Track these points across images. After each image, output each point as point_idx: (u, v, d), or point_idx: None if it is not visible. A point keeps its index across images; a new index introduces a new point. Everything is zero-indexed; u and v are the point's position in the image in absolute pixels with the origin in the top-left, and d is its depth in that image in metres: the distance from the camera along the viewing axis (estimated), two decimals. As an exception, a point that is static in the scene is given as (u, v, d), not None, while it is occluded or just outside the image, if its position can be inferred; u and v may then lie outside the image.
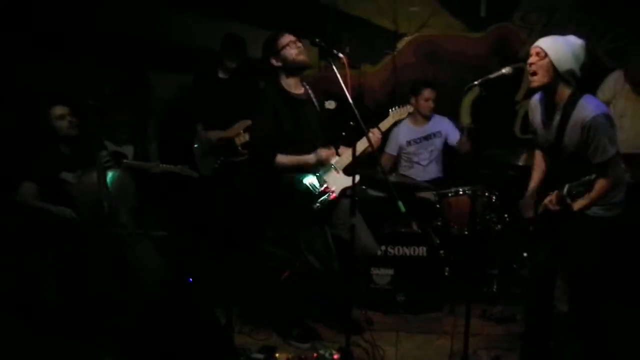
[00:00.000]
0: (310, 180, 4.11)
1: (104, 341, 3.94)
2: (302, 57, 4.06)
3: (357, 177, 3.84)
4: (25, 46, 5.51)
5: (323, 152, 4.09)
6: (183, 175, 4.88)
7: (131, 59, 5.89)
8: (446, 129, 5.65)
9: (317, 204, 4.09)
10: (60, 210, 4.24)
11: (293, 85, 4.15)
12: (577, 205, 3.35)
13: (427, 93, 5.45)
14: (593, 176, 3.25)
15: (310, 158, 4.10)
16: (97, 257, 4.16)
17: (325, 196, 4.11)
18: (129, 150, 5.02)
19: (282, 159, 4.07)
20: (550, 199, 3.38)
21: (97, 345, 3.95)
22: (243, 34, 5.56)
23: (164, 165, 4.86)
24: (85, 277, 4.14)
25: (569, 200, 3.31)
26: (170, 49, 6.00)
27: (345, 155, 4.17)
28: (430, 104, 5.51)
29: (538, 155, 3.81)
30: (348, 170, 4.16)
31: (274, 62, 4.08)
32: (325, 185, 4.12)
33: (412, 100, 5.47)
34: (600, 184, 3.31)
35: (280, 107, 4.06)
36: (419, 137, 5.60)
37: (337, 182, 4.18)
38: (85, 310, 4.10)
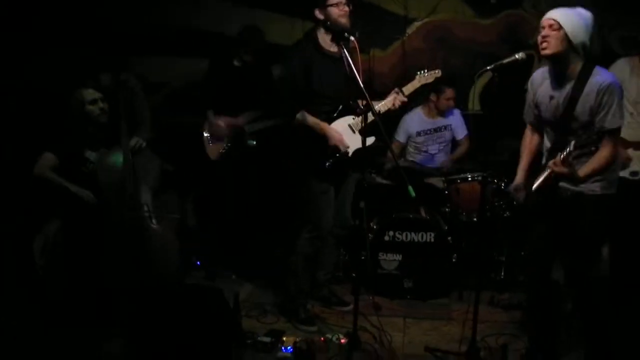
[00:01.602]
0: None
1: (114, 325, 3.95)
2: (343, 20, 4.01)
3: (370, 141, 4.02)
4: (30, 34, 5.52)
5: (337, 136, 4.12)
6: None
7: (147, 43, 5.90)
8: (457, 123, 5.66)
9: (330, 161, 4.13)
10: (79, 191, 4.22)
11: (329, 43, 4.14)
12: (582, 171, 3.31)
13: (449, 93, 5.43)
14: (596, 137, 3.20)
15: (328, 129, 4.13)
16: (115, 240, 4.16)
17: (336, 154, 4.14)
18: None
19: (306, 116, 4.10)
20: (554, 161, 3.30)
21: (107, 329, 3.97)
22: (258, 19, 5.55)
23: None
24: (100, 259, 4.15)
25: (571, 158, 3.24)
26: (188, 33, 5.99)
27: (359, 119, 4.17)
28: (451, 102, 5.50)
29: (528, 135, 3.78)
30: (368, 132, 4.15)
31: (317, 13, 4.08)
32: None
33: (433, 97, 5.47)
34: (603, 153, 3.28)
35: (312, 62, 4.08)
36: (429, 129, 5.58)
37: (353, 141, 4.18)
38: (97, 293, 4.13)
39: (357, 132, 4.21)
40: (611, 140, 3.30)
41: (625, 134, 4.45)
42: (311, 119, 4.11)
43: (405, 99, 4.25)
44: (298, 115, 4.10)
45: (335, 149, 4.13)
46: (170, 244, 4.37)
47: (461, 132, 5.69)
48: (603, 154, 3.28)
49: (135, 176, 4.33)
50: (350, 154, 4.19)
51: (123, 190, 4.23)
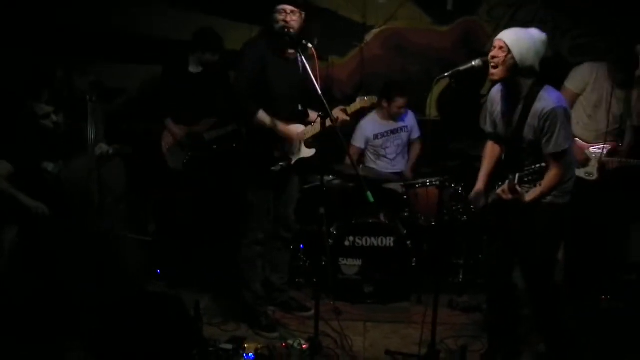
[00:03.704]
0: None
1: (74, 337, 3.90)
2: (281, 24, 3.99)
3: (313, 152, 4.20)
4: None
5: (298, 131, 4.18)
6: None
7: (102, 50, 5.83)
8: (412, 124, 5.71)
9: (275, 167, 4.19)
10: (30, 203, 4.17)
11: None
12: (529, 196, 3.40)
13: (400, 101, 5.44)
14: (543, 164, 3.30)
15: (284, 128, 4.15)
16: (75, 252, 4.10)
17: (283, 162, 4.21)
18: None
19: (264, 116, 4.11)
20: (502, 189, 3.39)
21: (68, 341, 3.91)
22: (217, 26, 5.51)
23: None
24: (58, 269, 4.09)
25: (519, 189, 3.33)
26: (140, 40, 5.93)
27: (311, 128, 4.21)
28: (402, 110, 5.54)
29: (489, 147, 3.84)
30: (310, 144, 4.28)
31: (272, 18, 4.06)
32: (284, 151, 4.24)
33: (384, 104, 5.49)
34: (551, 174, 3.36)
35: (266, 61, 4.09)
36: (386, 131, 5.62)
37: (298, 151, 4.28)
38: (56, 305, 4.06)
39: (302, 142, 4.26)
40: (557, 161, 3.38)
41: (583, 136, 4.61)
42: (269, 119, 4.12)
43: (348, 118, 4.26)
44: (259, 114, 4.10)
45: (283, 156, 4.21)
46: (133, 255, 4.35)
47: (415, 132, 5.74)
48: (549, 176, 3.37)
49: (101, 185, 4.29)
50: (293, 163, 4.26)
51: (89, 200, 4.18)
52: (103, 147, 4.45)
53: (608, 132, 4.60)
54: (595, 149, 4.62)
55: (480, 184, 3.78)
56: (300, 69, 4.09)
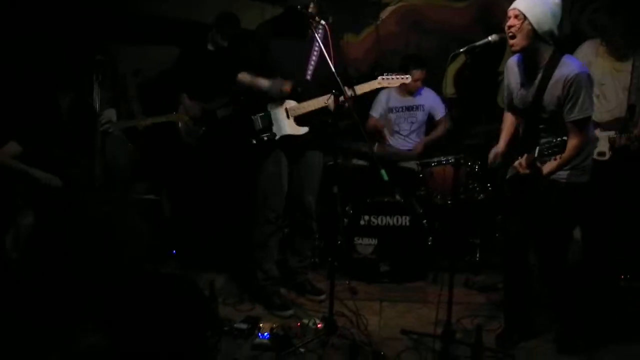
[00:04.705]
0: (257, 116, 4.15)
1: (89, 318, 3.92)
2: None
3: (303, 131, 4.11)
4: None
5: (279, 83, 4.07)
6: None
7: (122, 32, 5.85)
8: (430, 104, 5.63)
9: (254, 140, 4.12)
10: (43, 175, 4.21)
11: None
12: (547, 168, 3.34)
13: (417, 74, 5.35)
14: (565, 138, 3.22)
15: (266, 83, 4.08)
16: (84, 227, 4.13)
17: (265, 134, 4.12)
18: (111, 113, 4.95)
19: (244, 76, 4.10)
20: (519, 162, 3.33)
21: (82, 323, 3.93)
22: (228, 5, 5.51)
23: (150, 118, 4.87)
24: (70, 249, 4.11)
25: (538, 164, 3.29)
26: (161, 21, 5.93)
27: (304, 105, 4.13)
28: (419, 84, 5.47)
29: (507, 118, 3.78)
30: (302, 121, 4.17)
31: None
32: (267, 123, 4.15)
33: None
34: (572, 144, 3.28)
35: (272, 43, 4.08)
36: (401, 107, 5.58)
37: (284, 127, 4.17)
38: (70, 286, 4.09)
39: (291, 118, 4.16)
40: (579, 130, 3.31)
41: (596, 117, 4.50)
42: (249, 77, 4.10)
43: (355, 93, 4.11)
44: (239, 76, 4.10)
45: (264, 129, 4.13)
46: (139, 232, 4.35)
47: (440, 112, 5.65)
48: (571, 145, 3.28)
49: (107, 167, 4.31)
50: (277, 138, 4.15)
51: (92, 180, 4.21)
52: (102, 122, 4.44)
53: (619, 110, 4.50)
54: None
55: (501, 144, 3.73)
56: (316, 47, 4.05)
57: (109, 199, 4.28)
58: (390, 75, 4.18)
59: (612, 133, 4.44)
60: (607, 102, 4.52)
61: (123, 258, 4.18)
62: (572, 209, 3.55)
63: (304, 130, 4.17)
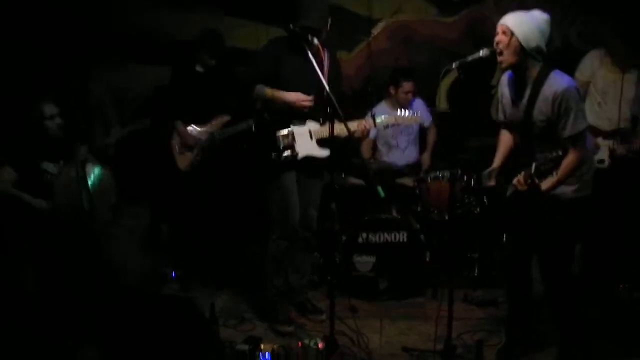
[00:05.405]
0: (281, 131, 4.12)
1: (86, 335, 3.91)
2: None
3: (327, 153, 4.07)
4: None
5: (298, 95, 4.05)
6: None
7: (109, 50, 5.82)
8: (421, 114, 5.63)
9: (275, 155, 4.10)
10: (35, 201, 4.25)
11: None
12: (545, 184, 3.34)
13: (407, 86, 5.36)
14: (560, 152, 3.23)
15: (287, 95, 4.06)
16: (75, 250, 4.14)
17: (286, 152, 4.10)
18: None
19: (263, 89, 4.08)
20: (518, 179, 3.34)
21: (79, 339, 3.92)
22: (218, 23, 5.50)
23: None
24: (64, 269, 4.12)
25: (536, 180, 3.29)
26: (147, 41, 5.92)
27: (326, 128, 4.10)
28: (410, 96, 5.45)
29: (503, 136, 3.79)
30: (323, 144, 4.17)
31: None
32: (291, 141, 4.12)
33: (392, 90, 5.43)
34: (569, 159, 3.28)
35: (283, 62, 4.06)
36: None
37: (306, 146, 4.16)
38: (66, 303, 4.08)
39: (314, 139, 4.17)
40: (575, 145, 3.31)
41: (594, 123, 4.53)
42: (269, 90, 4.07)
43: (373, 126, 4.25)
44: (257, 89, 4.07)
45: (287, 146, 4.10)
46: (131, 257, 4.36)
47: (428, 119, 5.67)
48: (567, 161, 3.29)
49: (93, 191, 4.36)
50: (299, 157, 4.15)
51: (80, 204, 4.25)
52: (83, 151, 4.48)
53: (621, 120, 4.53)
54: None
55: (496, 162, 3.74)
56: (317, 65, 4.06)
57: (98, 221, 4.31)
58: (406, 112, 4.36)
59: (612, 142, 4.47)
60: (609, 111, 4.56)
61: (116, 278, 4.20)
62: (576, 224, 3.54)
63: (325, 152, 4.17)
